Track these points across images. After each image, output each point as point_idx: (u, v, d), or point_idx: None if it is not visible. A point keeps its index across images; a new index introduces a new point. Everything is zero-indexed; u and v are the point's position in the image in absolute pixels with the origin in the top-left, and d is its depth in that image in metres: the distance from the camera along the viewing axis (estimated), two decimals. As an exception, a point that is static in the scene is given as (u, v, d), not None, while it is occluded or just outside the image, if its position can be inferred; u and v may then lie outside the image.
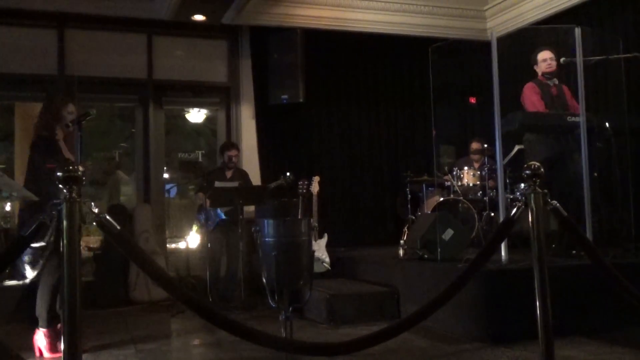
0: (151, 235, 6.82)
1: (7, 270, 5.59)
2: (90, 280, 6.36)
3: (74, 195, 2.10)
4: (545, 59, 5.38)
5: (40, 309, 4.14)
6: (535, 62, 5.46)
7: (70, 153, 4.40)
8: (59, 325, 4.18)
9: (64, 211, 2.10)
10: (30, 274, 4.08)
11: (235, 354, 4.02)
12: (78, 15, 6.92)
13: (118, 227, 2.26)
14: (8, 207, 8.09)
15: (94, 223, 2.24)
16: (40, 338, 4.12)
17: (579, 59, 5.02)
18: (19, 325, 4.72)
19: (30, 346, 4.13)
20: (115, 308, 6.06)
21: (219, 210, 6.25)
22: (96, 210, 2.24)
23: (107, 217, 2.23)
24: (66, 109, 4.40)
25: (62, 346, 4.00)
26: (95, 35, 7.17)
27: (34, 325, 4.17)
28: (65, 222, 2.10)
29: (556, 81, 5.39)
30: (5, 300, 4.16)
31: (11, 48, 6.78)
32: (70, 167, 2.11)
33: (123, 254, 2.33)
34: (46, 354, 4.08)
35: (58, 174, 2.10)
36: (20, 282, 4.10)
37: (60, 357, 4.02)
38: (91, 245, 7.21)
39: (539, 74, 5.45)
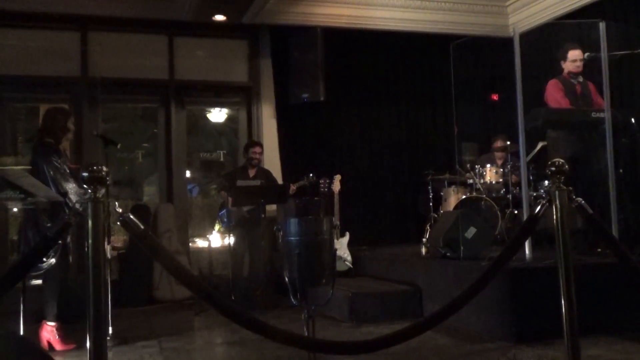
0: (174, 235, 6.87)
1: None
2: (114, 280, 6.43)
3: (98, 195, 2.12)
4: (575, 60, 5.29)
5: (52, 304, 4.25)
6: (564, 59, 5.36)
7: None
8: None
9: (89, 211, 2.11)
10: (44, 266, 4.18)
11: (258, 353, 4.04)
12: (100, 18, 7.00)
13: (142, 227, 2.27)
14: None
15: (118, 223, 2.26)
16: (49, 332, 4.22)
17: (604, 54, 4.95)
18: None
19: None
20: (140, 307, 6.11)
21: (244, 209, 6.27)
22: (120, 210, 2.26)
23: (131, 216, 2.25)
24: (71, 120, 4.66)
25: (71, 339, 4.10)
26: (117, 37, 7.24)
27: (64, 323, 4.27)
28: (90, 222, 2.12)
29: (580, 79, 5.31)
30: (33, 298, 4.23)
31: (36, 51, 6.88)
32: (95, 168, 2.13)
33: (147, 253, 2.35)
34: (56, 347, 4.17)
35: (83, 174, 2.12)
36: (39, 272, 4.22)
37: (71, 348, 4.13)
38: (116, 245, 7.28)
39: (565, 71, 5.37)
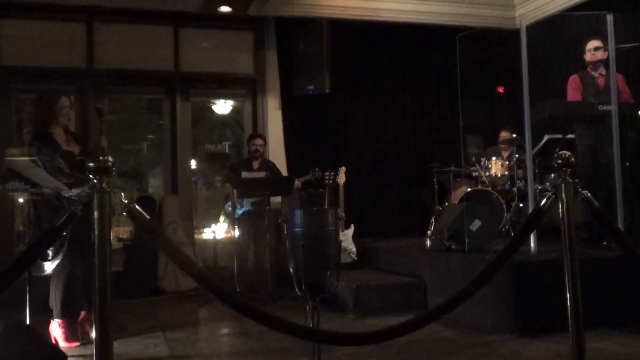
0: (179, 226, 6.88)
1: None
2: (119, 271, 6.46)
3: (104, 185, 2.12)
4: (590, 49, 5.27)
5: (54, 301, 4.21)
6: (584, 51, 5.35)
7: (75, 145, 4.43)
8: (82, 313, 4.27)
9: (94, 202, 2.11)
10: (50, 265, 4.16)
11: (262, 344, 4.05)
12: (106, 9, 7.00)
13: (148, 217, 2.28)
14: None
15: (124, 213, 2.26)
16: (55, 328, 4.21)
17: (611, 46, 4.92)
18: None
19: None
20: (144, 298, 6.14)
21: (244, 201, 6.29)
22: (126, 201, 2.26)
23: (137, 207, 2.25)
24: (58, 103, 4.32)
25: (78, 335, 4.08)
26: (123, 28, 7.24)
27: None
28: (96, 213, 2.12)
29: (604, 71, 5.27)
30: (38, 288, 4.24)
31: (41, 42, 6.89)
32: (101, 158, 2.13)
33: (152, 244, 2.36)
34: (62, 343, 4.13)
35: (89, 164, 2.12)
36: (42, 274, 4.19)
37: (75, 346, 4.12)
38: (121, 236, 7.31)
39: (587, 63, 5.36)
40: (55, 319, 4.21)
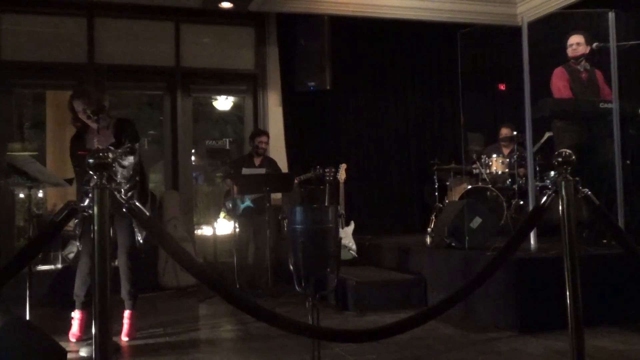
0: (179, 222, 6.88)
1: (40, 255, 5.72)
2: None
3: (104, 181, 2.12)
4: (571, 44, 5.28)
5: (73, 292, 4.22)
6: (567, 46, 5.36)
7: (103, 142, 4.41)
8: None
9: (94, 197, 2.11)
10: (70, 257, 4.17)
11: (262, 340, 4.06)
12: (107, 4, 6.99)
13: (147, 214, 2.27)
14: (40, 194, 8.26)
15: (124, 210, 2.25)
16: (72, 320, 4.20)
17: (613, 43, 4.91)
18: (52, 309, 4.82)
19: (63, 329, 4.22)
20: (145, 294, 6.14)
21: (245, 197, 6.29)
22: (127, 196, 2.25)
23: (137, 203, 2.25)
24: (75, 106, 4.20)
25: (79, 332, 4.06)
26: (124, 23, 7.23)
27: (68, 309, 4.26)
28: (95, 209, 2.12)
29: (587, 66, 5.28)
30: (38, 284, 4.24)
31: (42, 36, 6.88)
32: (100, 154, 2.12)
33: (152, 240, 2.35)
34: (71, 338, 4.13)
35: (89, 160, 2.12)
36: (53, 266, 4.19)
37: (73, 340, 4.10)
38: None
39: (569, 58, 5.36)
40: (76, 309, 4.20)
